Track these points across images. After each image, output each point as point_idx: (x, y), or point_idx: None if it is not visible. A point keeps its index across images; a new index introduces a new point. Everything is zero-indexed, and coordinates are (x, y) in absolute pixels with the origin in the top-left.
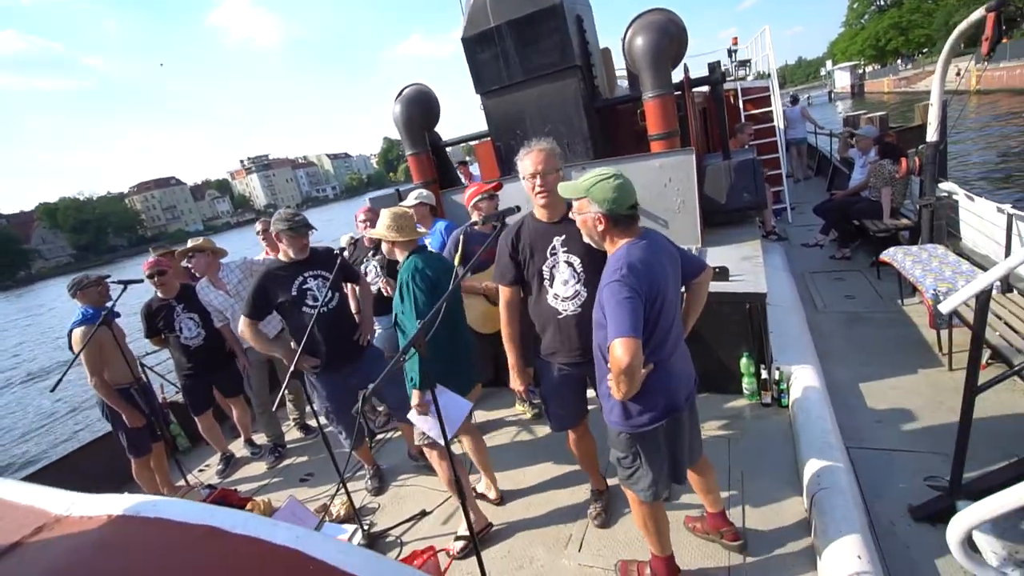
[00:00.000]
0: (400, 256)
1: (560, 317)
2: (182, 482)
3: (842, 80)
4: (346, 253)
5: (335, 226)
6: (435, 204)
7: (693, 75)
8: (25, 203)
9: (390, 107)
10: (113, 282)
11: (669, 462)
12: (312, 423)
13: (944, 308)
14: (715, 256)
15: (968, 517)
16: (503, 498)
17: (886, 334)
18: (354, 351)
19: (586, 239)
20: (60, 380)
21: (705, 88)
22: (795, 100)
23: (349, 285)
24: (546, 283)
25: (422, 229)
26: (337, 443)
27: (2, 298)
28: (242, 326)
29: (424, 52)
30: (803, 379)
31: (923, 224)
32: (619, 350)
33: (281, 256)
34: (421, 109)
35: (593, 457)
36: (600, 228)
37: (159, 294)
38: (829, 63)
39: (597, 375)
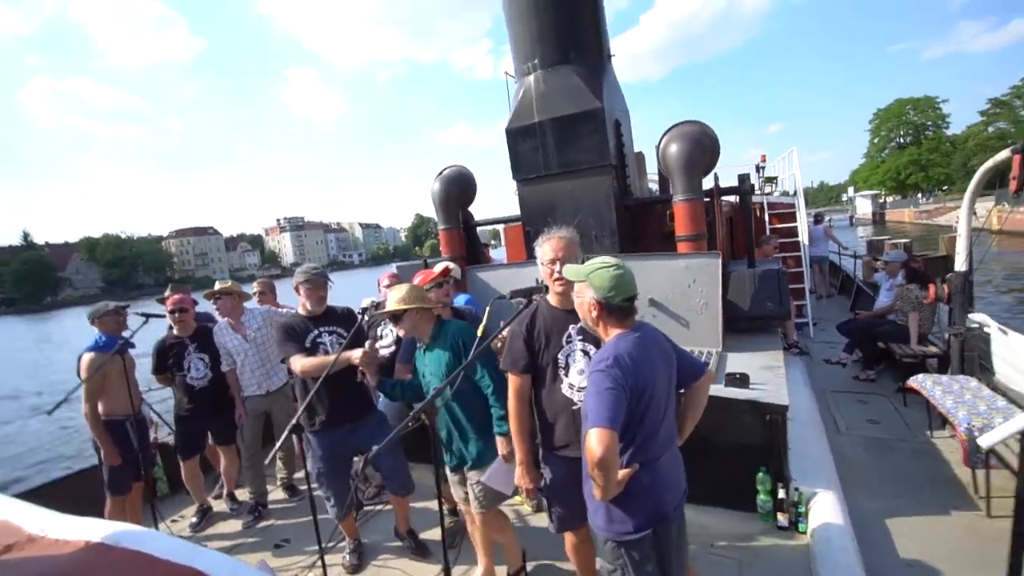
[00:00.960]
0: (426, 328)
1: (575, 408)
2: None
3: (863, 207)
4: (366, 316)
5: (360, 290)
6: (460, 278)
7: (722, 185)
8: (71, 235)
9: (427, 186)
10: (136, 313)
11: (658, 570)
12: (299, 486)
13: (984, 443)
14: (735, 362)
15: None
16: None
17: (915, 466)
18: (357, 413)
19: (581, 323)
20: (60, 404)
21: (733, 198)
22: (819, 219)
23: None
24: (561, 371)
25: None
26: (322, 509)
27: (24, 321)
28: (295, 367)
29: (467, 140)
30: (824, 505)
31: (953, 354)
32: (592, 440)
33: (300, 309)
34: (459, 188)
35: (591, 565)
36: (594, 315)
37: (175, 331)
38: (851, 189)
39: (583, 472)
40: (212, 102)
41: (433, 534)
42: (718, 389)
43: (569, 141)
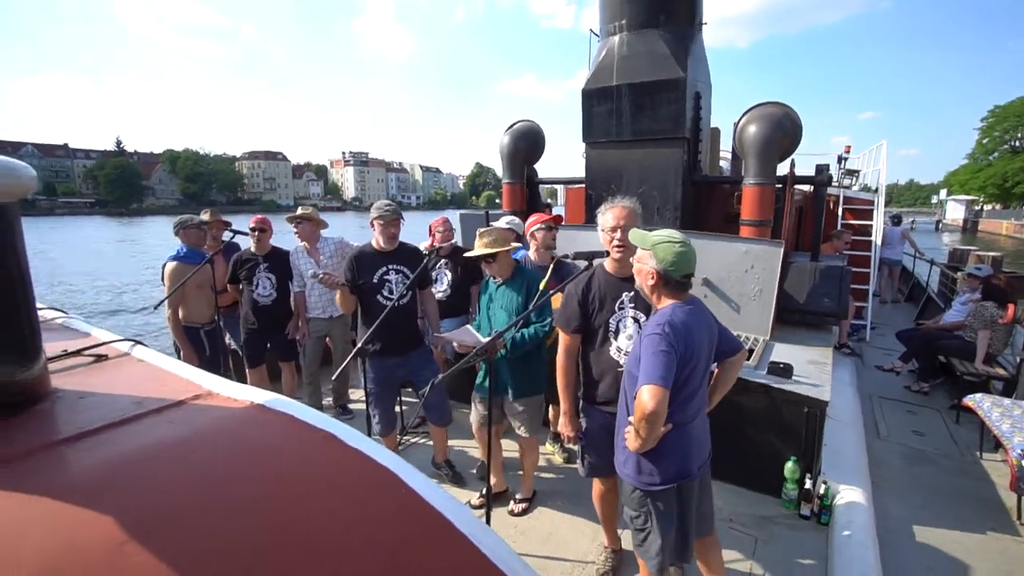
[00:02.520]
0: (508, 268)
1: (619, 369)
2: None
3: (954, 212)
4: (431, 258)
5: (415, 232)
6: (522, 233)
7: (798, 172)
8: (156, 146)
9: (489, 135)
10: (228, 229)
11: (678, 530)
12: (351, 406)
13: None
14: (782, 353)
15: None
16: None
17: (955, 483)
18: (408, 346)
19: (636, 290)
20: (160, 303)
21: (807, 187)
22: (898, 220)
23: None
24: (611, 335)
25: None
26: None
27: (115, 223)
28: (339, 302)
29: (533, 92)
30: (851, 501)
31: (1021, 378)
32: (646, 395)
33: (372, 243)
34: (527, 143)
35: (614, 514)
36: (651, 283)
37: (252, 248)
38: (943, 192)
39: (617, 425)
40: (289, 25)
41: (466, 466)
42: (760, 376)
43: (645, 109)
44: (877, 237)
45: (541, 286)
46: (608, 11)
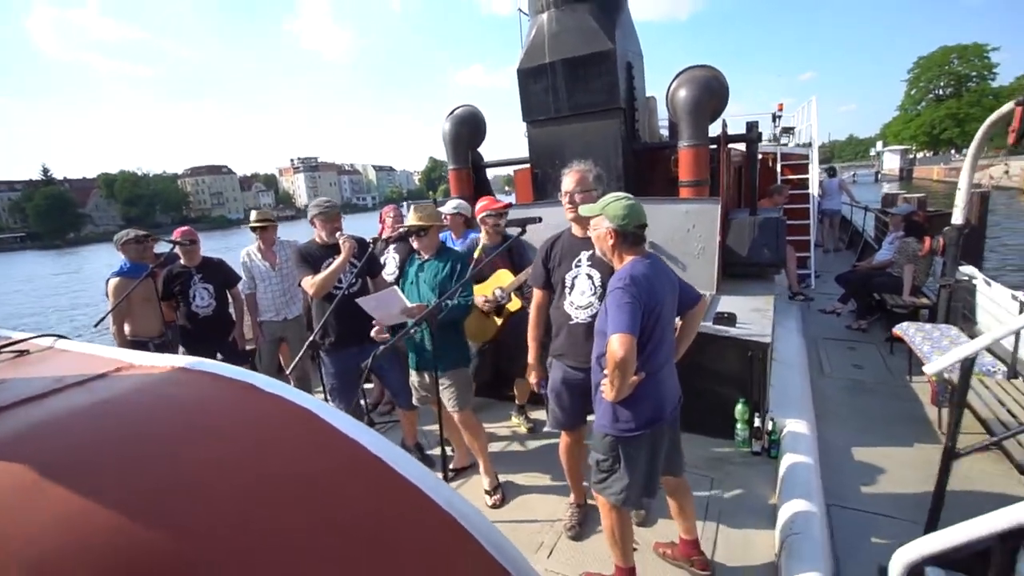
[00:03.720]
0: (429, 246)
1: (571, 323)
2: None
3: (891, 162)
4: (375, 246)
5: (373, 232)
6: (470, 217)
7: (733, 133)
8: (88, 171)
9: (440, 129)
10: (165, 240)
11: (646, 472)
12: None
13: (929, 369)
14: (727, 304)
15: (913, 550)
16: (501, 494)
17: (889, 407)
18: (364, 335)
19: (598, 253)
20: (103, 319)
21: (742, 146)
22: (833, 172)
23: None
24: (566, 290)
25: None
26: None
27: (52, 255)
28: (306, 285)
29: (482, 82)
30: (796, 432)
31: (940, 305)
32: (615, 344)
33: (316, 238)
34: (469, 128)
35: (579, 469)
36: (611, 242)
37: (182, 261)
38: (879, 144)
39: (592, 382)
40: (215, 35)
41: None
42: (706, 327)
43: (580, 83)
44: (814, 189)
45: (475, 255)
46: None
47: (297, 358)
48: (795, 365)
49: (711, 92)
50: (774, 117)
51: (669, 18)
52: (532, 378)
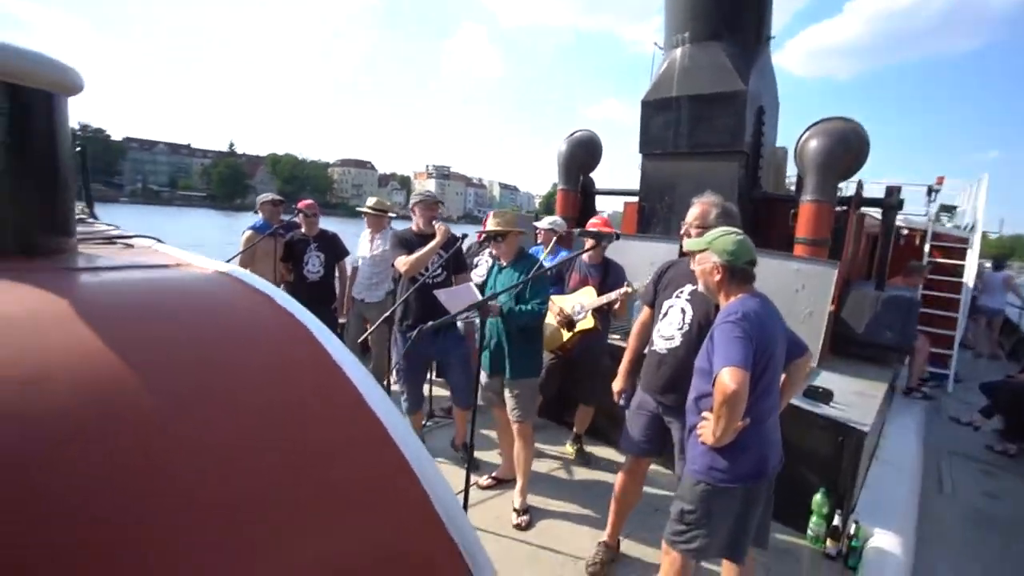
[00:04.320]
0: (507, 252)
1: (653, 348)
2: None
3: None
4: (466, 243)
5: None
6: (564, 235)
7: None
8: (261, 149)
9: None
10: (293, 207)
11: (733, 530)
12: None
13: None
14: (828, 379)
15: None
16: (529, 517)
17: None
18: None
19: (701, 288)
20: (231, 259)
21: (879, 213)
22: (1000, 265)
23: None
24: (659, 317)
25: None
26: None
27: (221, 214)
28: (399, 264)
29: (616, 115)
30: (886, 547)
31: None
32: (727, 376)
33: (413, 227)
34: (584, 152)
35: (626, 509)
36: (717, 278)
37: (303, 230)
38: None
39: (687, 425)
40: (388, 46)
41: (490, 456)
42: (796, 399)
43: (704, 120)
44: (970, 280)
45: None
46: (672, 24)
47: (373, 328)
48: (903, 470)
49: (846, 145)
50: (930, 190)
51: (827, 75)
52: (616, 386)
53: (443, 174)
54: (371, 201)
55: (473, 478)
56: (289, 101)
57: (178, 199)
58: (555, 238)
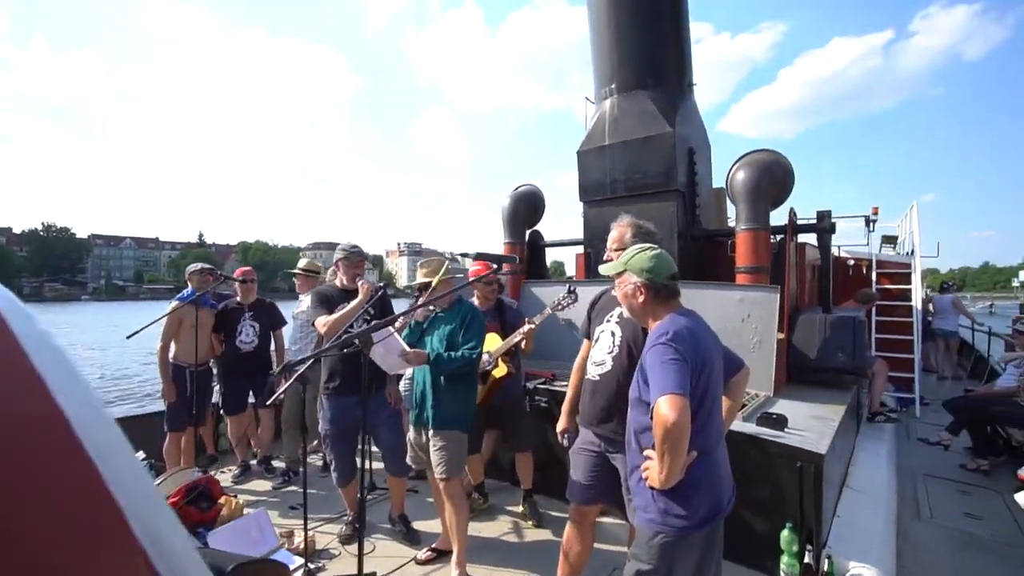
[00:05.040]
0: (448, 299)
1: (587, 378)
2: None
3: None
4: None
5: None
6: (504, 285)
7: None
8: (231, 238)
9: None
10: (222, 276)
11: None
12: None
13: None
14: (783, 407)
15: None
16: None
17: None
18: (369, 384)
19: (626, 313)
20: (137, 332)
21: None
22: (946, 288)
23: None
24: (593, 345)
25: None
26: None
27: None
28: (318, 324)
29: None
30: None
31: None
32: (664, 407)
33: (336, 283)
34: (527, 205)
35: (577, 569)
36: (640, 299)
37: (239, 298)
38: (1023, 273)
39: (628, 464)
40: (359, 134)
41: (431, 525)
42: (746, 427)
43: (636, 165)
44: (917, 302)
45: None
46: (600, 77)
47: (280, 391)
48: (877, 497)
49: (771, 177)
50: (867, 221)
51: (775, 136)
52: (560, 426)
53: (415, 251)
54: (302, 263)
55: (412, 552)
56: (260, 190)
57: (144, 293)
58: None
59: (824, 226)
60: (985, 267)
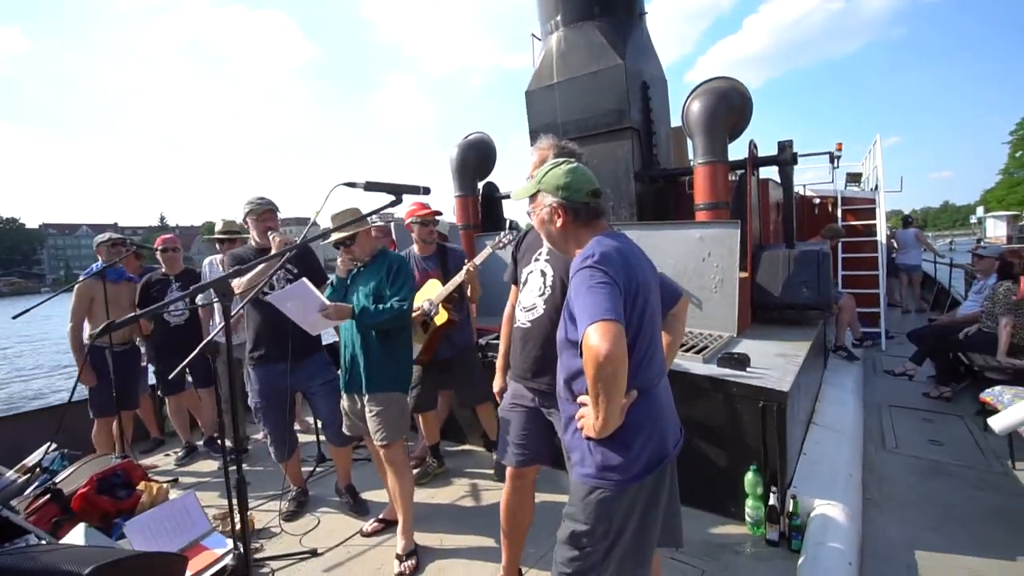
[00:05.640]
0: (361, 254)
1: (515, 326)
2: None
3: (996, 229)
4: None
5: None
6: (446, 234)
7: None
8: (195, 219)
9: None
10: (134, 246)
11: (635, 536)
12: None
13: (995, 425)
14: (746, 347)
15: None
16: (415, 561)
17: (977, 499)
18: (297, 351)
19: (547, 245)
20: (26, 311)
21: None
22: (907, 222)
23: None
24: (521, 289)
25: None
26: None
27: None
28: (234, 285)
29: None
30: (829, 520)
31: None
32: (594, 337)
33: (251, 242)
34: (477, 155)
35: (519, 533)
36: (558, 223)
37: (163, 269)
38: (980, 210)
39: (562, 417)
40: (316, 102)
41: (378, 495)
42: (707, 369)
43: (587, 102)
44: (882, 237)
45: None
46: (545, 9)
47: (185, 362)
48: (843, 432)
49: (729, 105)
50: (832, 157)
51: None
52: (496, 385)
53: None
54: (219, 226)
55: (359, 524)
56: (223, 168)
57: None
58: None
59: (785, 158)
60: (945, 206)
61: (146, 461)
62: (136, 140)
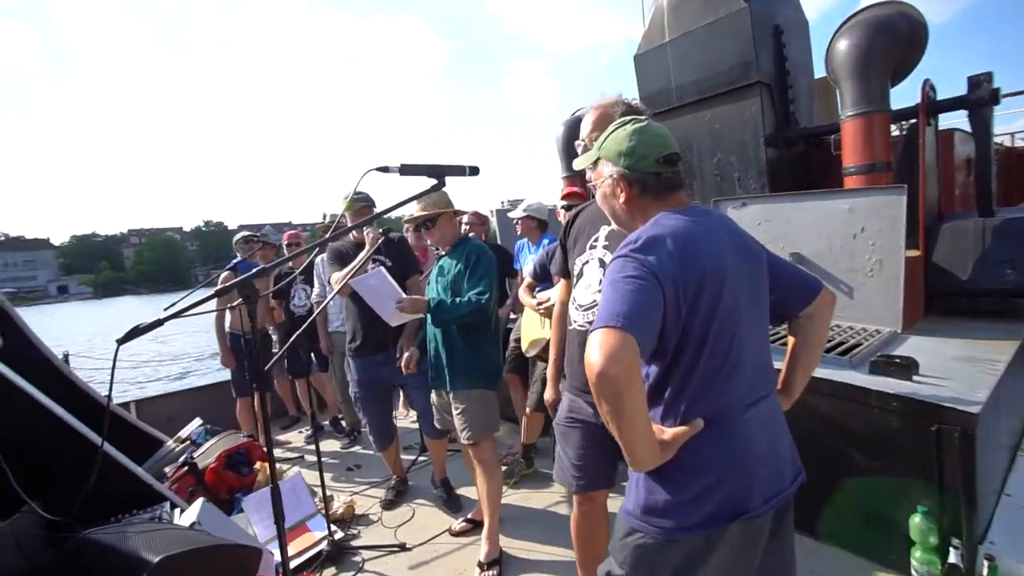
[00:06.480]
0: (441, 239)
1: (570, 328)
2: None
3: None
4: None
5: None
6: (546, 219)
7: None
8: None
9: None
10: (267, 242)
11: None
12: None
13: None
14: (916, 347)
15: None
16: (497, 571)
17: None
18: (391, 343)
19: (604, 229)
20: (185, 309)
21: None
22: None
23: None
24: (575, 283)
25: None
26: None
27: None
28: (332, 280)
29: None
30: None
31: None
32: (591, 348)
33: (351, 236)
34: None
35: (597, 560)
36: (622, 198)
37: (290, 264)
38: None
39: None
40: (452, 97)
41: (472, 491)
42: (856, 376)
43: (705, 58)
44: None
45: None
46: None
47: (275, 359)
48: None
49: (891, 36)
50: None
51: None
52: (548, 395)
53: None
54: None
55: (451, 520)
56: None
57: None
58: (536, 225)
59: (980, 96)
60: None
61: (281, 437)
62: (306, 146)
